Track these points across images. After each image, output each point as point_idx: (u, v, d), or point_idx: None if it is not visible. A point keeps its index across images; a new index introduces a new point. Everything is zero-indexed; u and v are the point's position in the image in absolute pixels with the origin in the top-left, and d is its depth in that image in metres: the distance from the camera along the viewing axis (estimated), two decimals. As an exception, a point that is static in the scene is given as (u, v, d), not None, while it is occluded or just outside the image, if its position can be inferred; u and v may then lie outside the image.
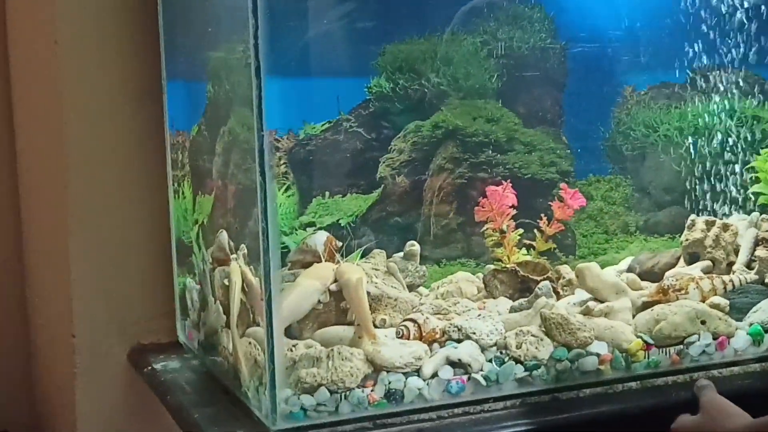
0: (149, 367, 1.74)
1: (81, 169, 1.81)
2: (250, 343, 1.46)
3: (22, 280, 2.35)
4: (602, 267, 1.79)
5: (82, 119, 1.80)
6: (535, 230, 1.80)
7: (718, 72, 1.93)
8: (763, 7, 1.90)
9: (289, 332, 1.46)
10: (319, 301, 1.50)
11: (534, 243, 1.79)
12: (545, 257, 1.80)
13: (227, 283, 1.52)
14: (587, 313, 1.58)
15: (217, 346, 1.59)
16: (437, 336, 1.51)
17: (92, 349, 1.83)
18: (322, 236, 1.61)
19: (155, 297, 1.86)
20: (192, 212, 1.74)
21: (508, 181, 1.77)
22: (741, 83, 1.94)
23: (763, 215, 1.87)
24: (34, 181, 2.15)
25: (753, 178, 1.94)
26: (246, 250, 1.49)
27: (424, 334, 1.50)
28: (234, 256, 1.54)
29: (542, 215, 1.80)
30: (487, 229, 1.77)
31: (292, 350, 1.43)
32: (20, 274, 2.35)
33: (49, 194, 1.99)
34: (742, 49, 1.91)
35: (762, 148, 1.94)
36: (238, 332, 1.49)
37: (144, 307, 1.86)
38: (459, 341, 1.50)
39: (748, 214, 1.92)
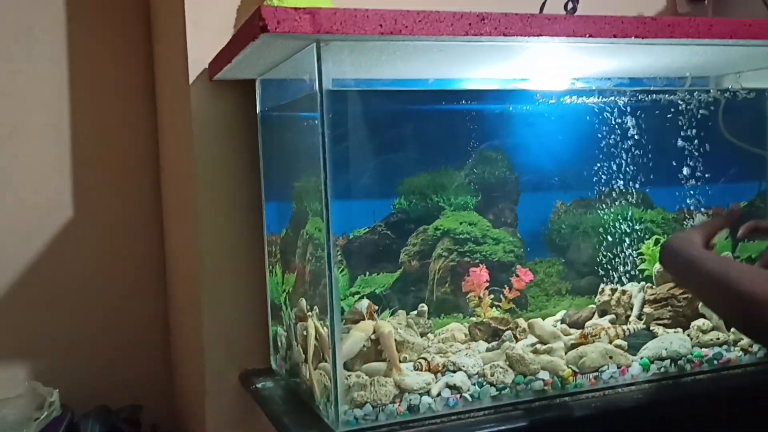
0: (253, 386, 1.75)
1: (210, 260, 1.83)
2: (321, 373, 1.48)
3: (167, 327, 2.39)
4: (543, 319, 1.83)
5: (211, 230, 1.83)
6: (501, 295, 1.83)
7: (616, 190, 1.98)
8: (644, 150, 1.96)
9: (345, 366, 1.47)
10: (364, 346, 1.52)
11: (500, 304, 1.82)
12: (508, 313, 1.82)
13: (305, 333, 1.54)
14: (536, 352, 1.61)
15: (298, 374, 1.61)
16: (440, 368, 1.53)
17: (216, 373, 1.85)
18: (365, 302, 1.63)
19: (257, 338, 1.87)
20: (281, 284, 1.76)
21: (483, 264, 1.81)
22: (630, 197, 1.98)
23: (648, 284, 1.92)
24: (181, 269, 2.18)
25: (641, 259, 1.99)
26: (317, 311, 1.51)
27: (431, 367, 1.52)
28: (310, 314, 1.56)
29: (505, 285, 1.84)
30: (470, 295, 1.80)
31: (347, 379, 1.44)
32: (166, 321, 2.39)
33: (186, 272, 2.03)
34: (631, 176, 1.96)
35: (646, 239, 1.98)
36: (312, 366, 1.51)
37: (249, 344, 1.88)
38: (454, 372, 1.52)
39: (639, 283, 1.96)
